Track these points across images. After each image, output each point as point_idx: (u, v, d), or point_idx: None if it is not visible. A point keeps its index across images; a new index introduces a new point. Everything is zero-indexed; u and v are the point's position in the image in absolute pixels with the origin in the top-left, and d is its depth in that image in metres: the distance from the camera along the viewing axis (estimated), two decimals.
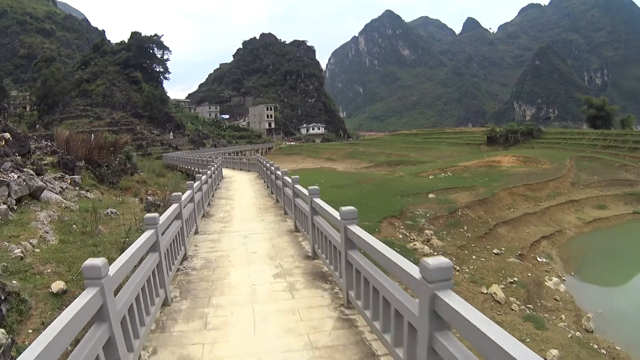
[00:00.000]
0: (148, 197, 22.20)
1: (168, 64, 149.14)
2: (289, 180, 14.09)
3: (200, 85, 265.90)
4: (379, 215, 26.79)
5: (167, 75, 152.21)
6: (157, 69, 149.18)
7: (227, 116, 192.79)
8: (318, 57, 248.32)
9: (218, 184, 28.17)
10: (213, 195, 22.56)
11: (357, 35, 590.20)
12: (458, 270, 21.89)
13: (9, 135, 21.95)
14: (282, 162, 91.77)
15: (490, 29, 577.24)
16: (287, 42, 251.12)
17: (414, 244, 23.29)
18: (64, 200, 16.26)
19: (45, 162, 23.07)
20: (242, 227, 14.35)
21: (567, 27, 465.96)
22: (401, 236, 24.95)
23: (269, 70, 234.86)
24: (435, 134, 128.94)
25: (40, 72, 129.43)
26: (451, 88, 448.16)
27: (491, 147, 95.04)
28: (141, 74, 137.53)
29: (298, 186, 12.41)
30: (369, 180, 41.40)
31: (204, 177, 17.75)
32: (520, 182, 41.20)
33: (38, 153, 25.44)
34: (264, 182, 27.57)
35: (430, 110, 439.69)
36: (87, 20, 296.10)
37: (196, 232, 13.26)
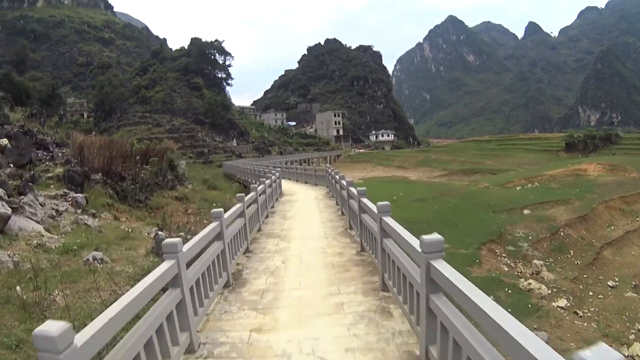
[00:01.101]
0: (159, 232, 15.73)
1: (232, 71, 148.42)
2: (354, 191, 12.09)
3: (266, 92, 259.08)
4: (474, 238, 23.24)
5: (229, 82, 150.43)
6: (219, 75, 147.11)
7: (293, 123, 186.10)
8: (383, 63, 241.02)
9: (272, 205, 21.61)
10: (259, 229, 15.69)
11: (421, 41, 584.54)
12: (580, 316, 17.93)
13: (7, 143, 20.96)
14: (351, 170, 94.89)
15: (551, 33, 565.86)
16: (352, 48, 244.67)
17: (528, 283, 18.89)
18: (44, 233, 13.32)
19: (50, 174, 20.12)
20: (296, 331, 6.92)
21: (625, 30, 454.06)
22: (506, 268, 21.12)
23: (335, 76, 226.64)
24: (508, 141, 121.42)
25: (96, 78, 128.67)
26: (517, 93, 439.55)
27: (570, 154, 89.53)
28: (202, 80, 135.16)
29: (365, 200, 10.24)
30: (453, 192, 37.97)
31: (235, 208, 11.08)
32: (614, 194, 36.88)
33: (48, 163, 22.28)
34: (337, 203, 20.51)
35: (497, 116, 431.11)
36: (148, 29, 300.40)
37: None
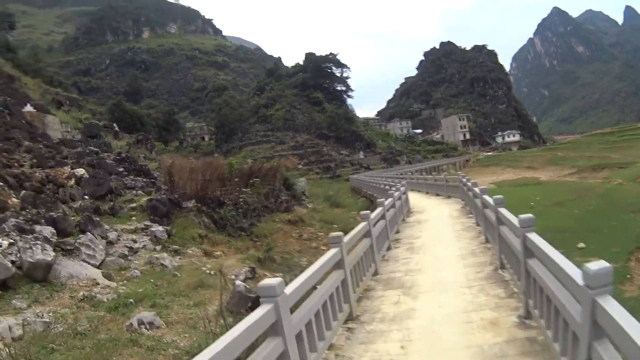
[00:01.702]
0: (236, 282, 11.48)
1: (351, 83, 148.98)
2: (490, 200, 10.40)
3: (389, 102, 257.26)
4: (621, 247, 21.03)
5: (349, 94, 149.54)
6: (338, 88, 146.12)
7: (419, 130, 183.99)
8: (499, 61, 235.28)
9: (396, 230, 17.30)
10: (375, 272, 11.18)
11: (532, 37, 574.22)
12: None
13: (83, 172, 20.75)
14: (481, 174, 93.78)
15: None
16: (467, 49, 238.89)
17: None
18: (101, 280, 11.77)
19: (134, 205, 19.10)
20: None
21: None
22: None
23: (454, 79, 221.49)
24: (629, 131, 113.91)
25: (213, 101, 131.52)
26: (627, 82, 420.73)
27: None
28: (322, 94, 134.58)
29: (503, 210, 8.67)
30: (589, 192, 36.70)
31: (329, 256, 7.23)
32: None
33: (136, 192, 21.75)
34: (477, 223, 15.93)
35: (612, 107, 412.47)
36: (261, 49, 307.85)
37: None
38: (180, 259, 14.84)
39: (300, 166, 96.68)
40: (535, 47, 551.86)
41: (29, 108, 38.53)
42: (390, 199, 16.36)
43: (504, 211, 8.50)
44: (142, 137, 60.26)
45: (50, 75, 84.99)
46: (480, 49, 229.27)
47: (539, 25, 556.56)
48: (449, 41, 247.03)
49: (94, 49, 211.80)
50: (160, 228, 16.43)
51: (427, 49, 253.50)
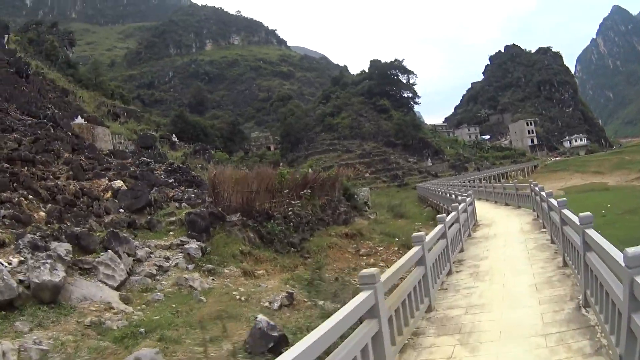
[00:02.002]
0: (258, 316, 9.97)
1: (418, 90, 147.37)
2: (572, 217, 8.88)
3: (456, 108, 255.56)
4: None
5: (417, 100, 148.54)
6: (405, 95, 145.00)
7: (487, 136, 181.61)
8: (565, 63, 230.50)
9: (460, 248, 15.28)
10: (429, 307, 9.31)
11: (594, 37, 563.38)
12: None
13: (121, 184, 20.41)
14: (549, 180, 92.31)
15: None
16: (532, 52, 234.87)
17: None
18: (116, 303, 10.52)
19: (173, 219, 18.08)
20: None
21: None
22: None
23: (521, 83, 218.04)
24: None
25: (278, 111, 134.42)
26: None
27: None
28: (388, 101, 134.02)
29: (593, 233, 6.89)
30: None
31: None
32: None
33: (181, 204, 20.93)
34: (552, 240, 14.18)
35: None
36: (327, 58, 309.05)
37: None
38: (213, 280, 13.46)
39: (367, 175, 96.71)
40: (598, 47, 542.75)
41: (79, 120, 39.25)
42: (453, 213, 14.86)
43: (594, 234, 6.82)
44: (200, 147, 60.79)
45: (111, 89, 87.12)
46: (545, 51, 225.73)
47: (601, 25, 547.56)
48: (513, 44, 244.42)
49: (157, 62, 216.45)
50: (194, 245, 15.13)
51: (492, 52, 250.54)
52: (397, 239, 22.26)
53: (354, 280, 15.34)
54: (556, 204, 10.79)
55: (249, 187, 19.25)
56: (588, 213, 7.37)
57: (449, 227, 12.75)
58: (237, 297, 12.24)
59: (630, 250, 4.34)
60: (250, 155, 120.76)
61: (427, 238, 9.28)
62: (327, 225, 22.67)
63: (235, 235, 16.74)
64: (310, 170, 32.69)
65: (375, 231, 24.35)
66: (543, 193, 14.05)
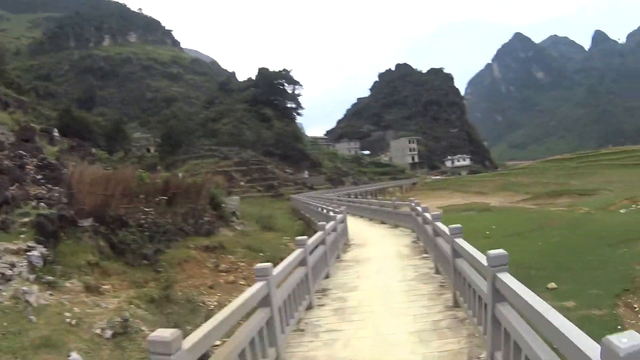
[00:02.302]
0: (72, 354, 9.06)
1: (305, 103, 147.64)
2: (476, 255, 6.87)
3: (339, 122, 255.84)
4: (603, 288, 17.35)
5: (300, 111, 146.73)
6: (289, 105, 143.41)
7: (367, 152, 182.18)
8: (455, 85, 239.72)
9: (326, 274, 12.92)
10: (277, 355, 6.89)
11: (490, 62, 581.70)
12: None
13: None
14: (428, 198, 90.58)
15: (618, 39, 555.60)
16: (423, 72, 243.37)
17: None
18: None
19: (26, 220, 14.81)
20: None
21: None
22: None
23: (408, 102, 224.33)
24: (591, 157, 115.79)
25: (161, 112, 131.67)
26: (588, 108, 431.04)
27: None
28: (271, 110, 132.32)
29: (509, 279, 5.51)
30: (552, 222, 32.74)
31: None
32: None
33: (34, 204, 17.08)
34: (436, 269, 12.13)
35: (570, 134, 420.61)
36: (217, 63, 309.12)
37: None
38: (51, 295, 11.30)
39: (242, 183, 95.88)
40: (492, 72, 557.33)
41: None
42: (318, 234, 12.28)
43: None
44: (76, 143, 58.38)
45: (11, 78, 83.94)
46: (436, 72, 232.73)
47: (499, 51, 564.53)
48: (405, 63, 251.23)
49: (57, 54, 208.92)
50: (36, 253, 12.71)
51: (386, 68, 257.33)
52: (262, 254, 21.58)
53: (209, 301, 15.01)
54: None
55: (105, 189, 17.41)
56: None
57: (312, 252, 10.69)
58: (68, 319, 10.42)
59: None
60: (130, 156, 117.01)
61: (276, 270, 7.07)
62: (187, 236, 21.16)
63: (85, 243, 14.91)
64: (180, 174, 32.38)
65: (239, 244, 23.33)
66: (427, 215, 12.81)
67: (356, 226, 26.46)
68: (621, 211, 38.18)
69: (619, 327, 13.99)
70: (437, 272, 11.51)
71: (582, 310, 14.78)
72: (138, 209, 18.32)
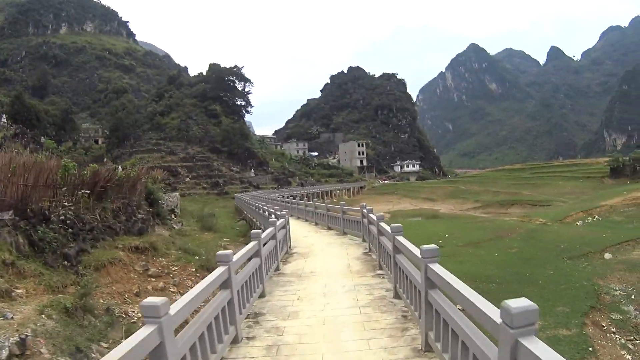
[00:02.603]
0: None
1: (256, 102, 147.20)
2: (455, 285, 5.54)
3: (288, 122, 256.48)
4: (569, 305, 16.45)
5: (249, 109, 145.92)
6: (238, 102, 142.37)
7: (315, 153, 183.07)
8: (408, 92, 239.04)
9: (262, 289, 10.63)
10: None
11: (443, 70, 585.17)
12: None
13: None
14: (376, 202, 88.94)
15: (574, 56, 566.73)
16: (376, 76, 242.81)
17: None
18: None
19: None
20: None
21: None
22: (629, 356, 13.73)
23: (358, 105, 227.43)
24: (543, 168, 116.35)
25: (110, 104, 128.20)
26: (540, 121, 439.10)
27: (616, 180, 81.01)
28: (220, 107, 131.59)
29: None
30: (508, 231, 31.06)
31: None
32: None
33: None
34: (396, 291, 9.59)
35: (521, 145, 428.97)
36: (170, 57, 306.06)
37: None
38: None
39: (187, 179, 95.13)
40: (445, 81, 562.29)
41: None
42: (247, 248, 9.49)
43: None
44: (20, 130, 57.77)
45: None
46: (389, 77, 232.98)
47: (453, 60, 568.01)
48: (358, 66, 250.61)
49: (16, 40, 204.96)
50: None
51: (338, 71, 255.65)
52: (197, 258, 19.82)
53: (133, 311, 12.84)
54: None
55: (26, 180, 14.97)
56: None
57: (237, 270, 8.14)
58: None
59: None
60: (78, 146, 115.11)
61: (174, 309, 4.76)
62: (116, 234, 18.40)
63: (3, 239, 12.72)
64: (120, 167, 27.41)
65: (174, 245, 21.11)
66: (384, 225, 10.97)
67: (300, 230, 24.24)
68: (577, 223, 37.19)
69: (590, 348, 13.40)
70: (397, 296, 9.44)
71: (550, 330, 14.06)
72: (62, 204, 16.13)
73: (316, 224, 27.24)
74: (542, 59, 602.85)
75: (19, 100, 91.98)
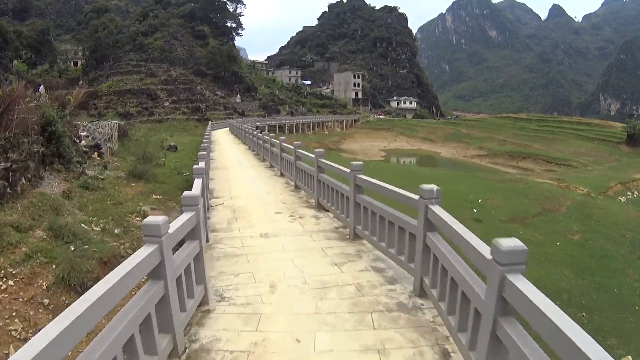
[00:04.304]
0: None
1: (247, 25, 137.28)
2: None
3: (281, 48, 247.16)
4: None
5: (240, 32, 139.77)
6: (229, 24, 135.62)
7: (309, 82, 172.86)
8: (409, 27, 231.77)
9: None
10: None
11: (444, 12, 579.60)
12: None
13: None
14: (370, 138, 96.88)
15: (575, 17, 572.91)
16: (377, 8, 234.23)
17: None
18: None
19: None
20: None
21: None
22: None
23: (356, 36, 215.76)
24: (551, 122, 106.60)
25: (90, 23, 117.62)
26: (537, 74, 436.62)
27: (633, 149, 75.78)
28: (209, 28, 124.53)
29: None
30: (554, 203, 23.92)
31: None
32: None
33: None
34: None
35: (516, 94, 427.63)
36: None
37: None
38: None
39: (166, 104, 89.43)
40: (445, 22, 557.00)
41: None
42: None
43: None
44: None
45: None
46: (390, 10, 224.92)
47: (454, 3, 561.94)
48: None
49: None
50: None
51: (333, 1, 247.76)
52: (72, 249, 9.92)
53: None
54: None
55: None
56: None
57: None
58: None
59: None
60: (55, 69, 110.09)
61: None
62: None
63: None
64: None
65: (42, 221, 11.04)
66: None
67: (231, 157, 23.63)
68: (620, 199, 31.64)
69: None
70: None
71: None
72: None
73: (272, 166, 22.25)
74: (543, 14, 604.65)
75: None
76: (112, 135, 25.24)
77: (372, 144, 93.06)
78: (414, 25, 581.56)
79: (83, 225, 11.58)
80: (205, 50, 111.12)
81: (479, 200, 22.10)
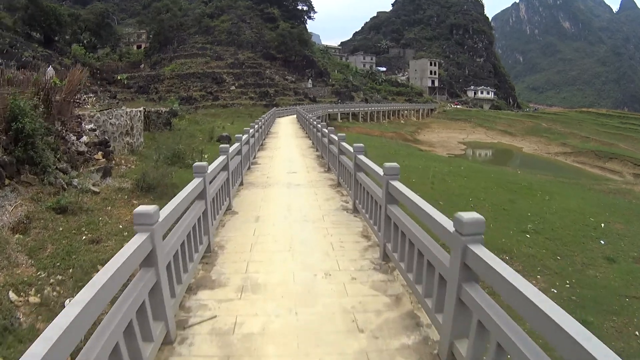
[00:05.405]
0: None
1: (323, 17, 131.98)
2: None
3: (355, 34, 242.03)
4: None
5: (312, 15, 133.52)
6: (300, 7, 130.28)
7: (383, 69, 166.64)
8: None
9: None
10: None
11: (517, 1, 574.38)
12: None
13: None
14: (448, 128, 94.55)
15: None
16: None
17: None
18: None
19: None
20: None
21: None
22: None
23: (432, 22, 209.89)
24: (631, 119, 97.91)
25: (152, 5, 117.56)
26: (609, 67, 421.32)
27: None
28: (279, 10, 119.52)
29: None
30: None
31: None
32: None
33: None
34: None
35: (589, 88, 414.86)
36: None
37: None
38: None
39: (233, 88, 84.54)
40: (519, 11, 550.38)
41: None
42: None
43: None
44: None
45: None
46: None
47: None
48: None
49: None
50: None
51: None
52: None
53: None
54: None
55: None
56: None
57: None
58: None
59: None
60: (117, 52, 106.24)
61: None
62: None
63: None
64: None
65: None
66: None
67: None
68: None
69: None
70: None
71: None
72: None
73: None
74: (614, 6, 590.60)
75: (33, 4, 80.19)
76: (132, 127, 19.23)
77: (450, 135, 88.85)
78: (488, 14, 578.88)
79: (12, 294, 7.33)
80: (275, 33, 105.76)
81: (602, 225, 17.34)
